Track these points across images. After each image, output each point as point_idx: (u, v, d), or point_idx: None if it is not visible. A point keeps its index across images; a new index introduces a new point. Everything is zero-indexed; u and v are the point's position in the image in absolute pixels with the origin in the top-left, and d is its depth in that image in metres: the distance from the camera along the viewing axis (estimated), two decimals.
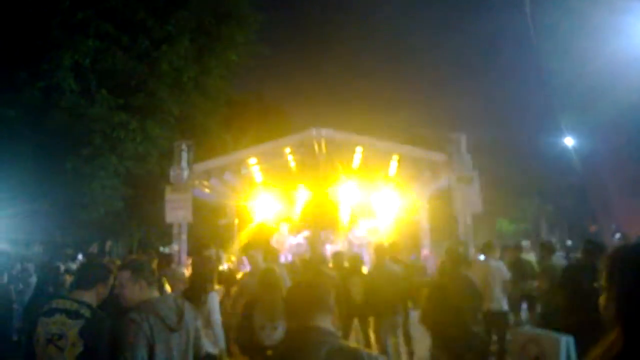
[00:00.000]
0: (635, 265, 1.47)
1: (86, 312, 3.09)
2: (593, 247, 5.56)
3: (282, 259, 11.91)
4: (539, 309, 7.62)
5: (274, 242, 13.19)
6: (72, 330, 3.01)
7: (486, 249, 7.52)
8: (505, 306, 6.85)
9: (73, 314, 3.06)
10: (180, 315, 3.07)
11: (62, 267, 10.71)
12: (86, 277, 3.31)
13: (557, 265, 6.85)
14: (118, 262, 5.86)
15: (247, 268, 7.37)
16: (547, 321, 5.86)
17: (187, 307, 3.21)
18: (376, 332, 6.75)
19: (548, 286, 6.54)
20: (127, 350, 2.86)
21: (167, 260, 7.89)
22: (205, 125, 15.91)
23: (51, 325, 3.03)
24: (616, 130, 22.39)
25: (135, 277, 3.10)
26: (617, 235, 14.37)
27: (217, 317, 4.66)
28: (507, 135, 34.10)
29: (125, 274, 3.11)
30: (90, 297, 3.23)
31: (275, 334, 4.33)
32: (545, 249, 7.57)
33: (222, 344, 4.56)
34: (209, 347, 4.22)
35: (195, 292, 4.66)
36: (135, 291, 3.09)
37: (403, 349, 7.41)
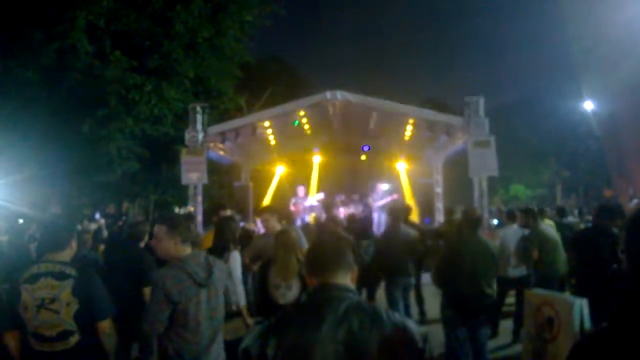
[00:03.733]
0: None
1: (72, 272, 3.10)
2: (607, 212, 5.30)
3: (299, 222, 12.00)
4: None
5: (290, 205, 13.27)
6: (64, 291, 3.02)
7: (508, 216, 7.46)
8: (523, 271, 6.77)
9: (59, 276, 3.06)
10: (209, 271, 3.13)
11: (80, 227, 10.88)
12: (56, 239, 3.28)
13: (544, 232, 6.50)
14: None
15: (262, 230, 7.44)
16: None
17: (218, 264, 3.27)
18: (388, 292, 6.83)
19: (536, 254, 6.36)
20: (145, 313, 3.04)
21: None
22: (219, 87, 15.83)
23: (38, 291, 3.00)
24: (636, 95, 21.92)
25: (171, 232, 3.14)
26: (635, 201, 14.21)
27: (238, 275, 4.74)
28: (526, 99, 33.63)
29: (162, 229, 3.16)
30: (65, 256, 3.23)
31: (289, 293, 4.39)
32: (530, 215, 6.93)
33: (243, 301, 4.65)
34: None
35: (217, 250, 4.73)
36: (170, 246, 3.14)
37: (414, 310, 7.51)
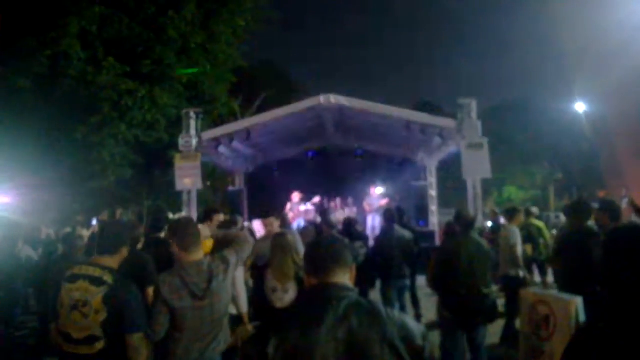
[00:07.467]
0: (623, 249, 1.54)
1: (109, 279, 3.05)
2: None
3: (295, 226, 11.99)
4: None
5: (286, 209, 13.24)
6: (96, 297, 2.98)
7: (507, 214, 7.41)
8: (511, 271, 6.68)
9: (96, 281, 3.03)
10: (209, 281, 3.10)
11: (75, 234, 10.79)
12: (109, 242, 3.25)
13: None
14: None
15: (259, 233, 7.43)
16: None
17: (222, 272, 3.22)
18: (383, 294, 6.84)
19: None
20: (150, 313, 3.04)
21: None
22: (213, 93, 15.81)
23: (75, 292, 3.00)
24: (628, 95, 22.09)
25: (171, 239, 3.19)
26: (625, 200, 14.24)
27: (241, 281, 4.69)
28: (518, 101, 33.79)
29: (168, 234, 3.25)
30: (113, 262, 3.19)
31: (286, 296, 4.38)
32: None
33: (245, 307, 4.49)
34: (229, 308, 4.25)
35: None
36: (174, 250, 3.16)
37: (410, 312, 7.52)
